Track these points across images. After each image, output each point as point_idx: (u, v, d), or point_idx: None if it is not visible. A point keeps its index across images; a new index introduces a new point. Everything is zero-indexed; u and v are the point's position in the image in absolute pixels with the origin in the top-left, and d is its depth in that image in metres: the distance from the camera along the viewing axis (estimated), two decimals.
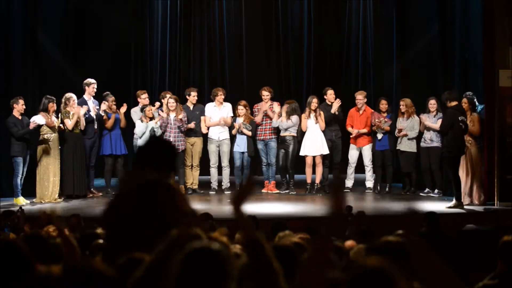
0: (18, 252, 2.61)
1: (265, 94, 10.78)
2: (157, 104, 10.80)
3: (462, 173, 9.37)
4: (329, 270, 2.06)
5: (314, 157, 10.60)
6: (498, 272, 3.66)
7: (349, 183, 10.79)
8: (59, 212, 7.85)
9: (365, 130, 10.62)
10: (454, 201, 9.06)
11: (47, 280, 2.40)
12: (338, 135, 10.75)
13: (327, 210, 2.19)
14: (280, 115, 10.58)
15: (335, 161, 10.78)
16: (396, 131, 10.42)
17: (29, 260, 2.60)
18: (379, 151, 10.67)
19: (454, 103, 9.19)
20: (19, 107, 9.76)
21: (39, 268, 2.55)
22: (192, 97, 10.89)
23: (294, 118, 10.49)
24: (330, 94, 10.79)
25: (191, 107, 10.87)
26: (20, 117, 9.81)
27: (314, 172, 10.68)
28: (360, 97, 10.78)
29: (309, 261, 2.14)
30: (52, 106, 10.02)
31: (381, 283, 1.86)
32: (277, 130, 10.69)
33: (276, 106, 10.68)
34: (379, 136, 10.60)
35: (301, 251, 3.15)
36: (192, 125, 10.59)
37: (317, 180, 10.68)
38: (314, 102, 10.58)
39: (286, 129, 10.49)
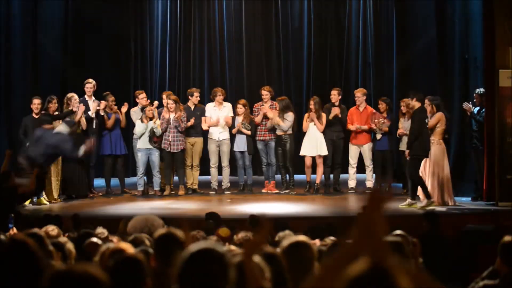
0: (29, 250, 2.62)
1: (264, 93, 10.79)
2: (156, 103, 10.83)
3: (425, 174, 9.31)
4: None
5: (313, 158, 10.62)
6: (496, 272, 3.65)
7: (352, 183, 10.79)
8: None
9: (365, 127, 10.61)
10: (426, 201, 9.04)
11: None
12: (339, 136, 10.74)
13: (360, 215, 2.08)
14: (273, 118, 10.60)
15: (335, 161, 10.78)
16: (398, 131, 10.43)
17: (39, 259, 2.61)
18: (379, 151, 10.67)
19: (419, 104, 9.16)
20: (33, 106, 9.76)
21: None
22: (195, 97, 10.89)
23: (290, 116, 10.49)
24: (333, 95, 10.78)
25: (192, 107, 10.87)
26: (37, 116, 9.77)
27: (314, 172, 10.72)
28: (359, 94, 10.79)
29: (334, 263, 2.12)
30: (53, 106, 10.02)
31: (382, 282, 1.86)
32: (275, 130, 10.69)
33: (269, 112, 10.64)
34: (378, 136, 10.60)
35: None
36: (191, 121, 10.60)
37: (317, 181, 10.71)
38: (311, 103, 10.60)
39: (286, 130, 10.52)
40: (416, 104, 9.13)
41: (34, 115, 9.79)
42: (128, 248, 3.18)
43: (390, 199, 2.09)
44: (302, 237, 3.38)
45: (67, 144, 8.94)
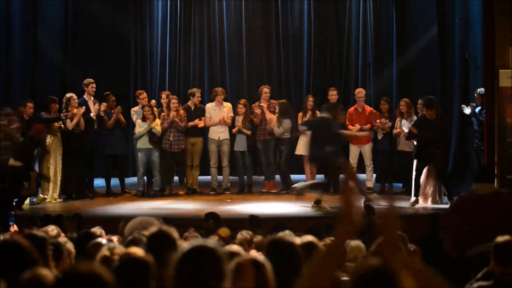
0: (23, 251, 2.62)
1: (267, 91, 10.83)
2: (153, 102, 10.84)
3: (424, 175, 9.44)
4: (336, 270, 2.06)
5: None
6: (491, 273, 3.65)
7: (351, 183, 10.79)
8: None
9: (366, 127, 10.62)
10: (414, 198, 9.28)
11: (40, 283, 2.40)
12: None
13: (339, 212, 2.19)
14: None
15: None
16: (394, 131, 10.43)
17: (34, 259, 2.61)
18: (380, 151, 10.69)
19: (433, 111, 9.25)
20: (26, 110, 9.77)
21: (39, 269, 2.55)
22: (196, 97, 10.89)
23: (286, 123, 10.48)
24: (330, 95, 10.78)
25: (193, 108, 10.87)
26: (27, 118, 9.78)
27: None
28: (361, 95, 10.79)
29: (320, 261, 2.14)
30: (54, 107, 10.04)
31: (384, 282, 1.87)
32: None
33: (267, 112, 10.67)
34: (380, 136, 10.61)
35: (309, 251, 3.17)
36: (201, 123, 10.65)
37: (314, 179, 10.79)
38: (309, 101, 10.63)
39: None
40: (432, 113, 9.19)
41: (24, 116, 9.79)
42: (137, 251, 3.17)
43: (391, 201, 2.15)
44: (310, 237, 3.37)
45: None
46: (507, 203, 5.06)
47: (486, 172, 5.55)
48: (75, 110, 10.13)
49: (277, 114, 10.63)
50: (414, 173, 9.41)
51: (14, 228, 6.58)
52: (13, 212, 7.52)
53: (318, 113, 10.63)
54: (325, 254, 2.16)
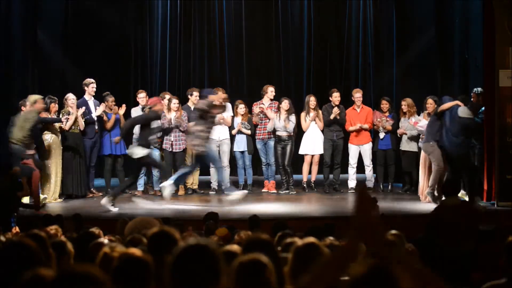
0: (29, 251, 2.62)
1: (273, 90, 10.80)
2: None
3: (425, 171, 9.54)
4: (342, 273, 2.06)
5: (312, 156, 10.71)
6: (504, 272, 3.64)
7: (351, 183, 10.79)
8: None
9: (367, 126, 10.63)
10: None
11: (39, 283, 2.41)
12: (339, 136, 10.75)
13: (353, 217, 2.15)
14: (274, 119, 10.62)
15: (335, 161, 10.79)
16: (398, 130, 10.45)
17: (39, 260, 2.61)
18: (381, 150, 10.70)
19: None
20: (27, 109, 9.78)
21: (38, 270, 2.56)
22: (194, 97, 10.87)
23: (294, 118, 10.50)
24: (335, 97, 10.77)
25: (192, 107, 10.87)
26: None
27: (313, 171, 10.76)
28: (359, 95, 10.80)
29: (329, 263, 2.13)
30: (54, 107, 10.03)
31: (382, 282, 1.87)
32: (274, 130, 10.69)
33: (269, 112, 10.65)
34: (382, 135, 10.62)
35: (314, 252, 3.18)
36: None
37: (313, 178, 10.83)
38: (312, 100, 10.63)
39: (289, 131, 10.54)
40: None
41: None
42: (136, 251, 3.18)
43: (371, 199, 2.16)
44: (311, 239, 3.38)
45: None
46: (468, 213, 5.99)
47: (450, 187, 6.32)
48: (72, 110, 10.12)
49: (277, 112, 10.58)
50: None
51: (16, 229, 6.59)
52: (15, 214, 7.53)
53: (320, 112, 10.63)
54: (336, 257, 2.15)
